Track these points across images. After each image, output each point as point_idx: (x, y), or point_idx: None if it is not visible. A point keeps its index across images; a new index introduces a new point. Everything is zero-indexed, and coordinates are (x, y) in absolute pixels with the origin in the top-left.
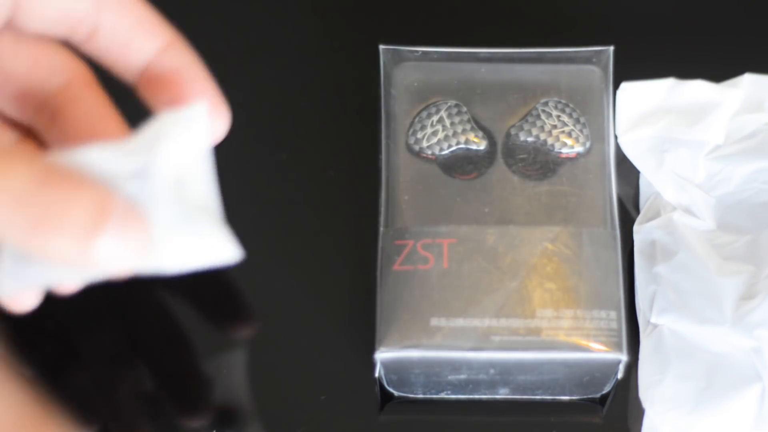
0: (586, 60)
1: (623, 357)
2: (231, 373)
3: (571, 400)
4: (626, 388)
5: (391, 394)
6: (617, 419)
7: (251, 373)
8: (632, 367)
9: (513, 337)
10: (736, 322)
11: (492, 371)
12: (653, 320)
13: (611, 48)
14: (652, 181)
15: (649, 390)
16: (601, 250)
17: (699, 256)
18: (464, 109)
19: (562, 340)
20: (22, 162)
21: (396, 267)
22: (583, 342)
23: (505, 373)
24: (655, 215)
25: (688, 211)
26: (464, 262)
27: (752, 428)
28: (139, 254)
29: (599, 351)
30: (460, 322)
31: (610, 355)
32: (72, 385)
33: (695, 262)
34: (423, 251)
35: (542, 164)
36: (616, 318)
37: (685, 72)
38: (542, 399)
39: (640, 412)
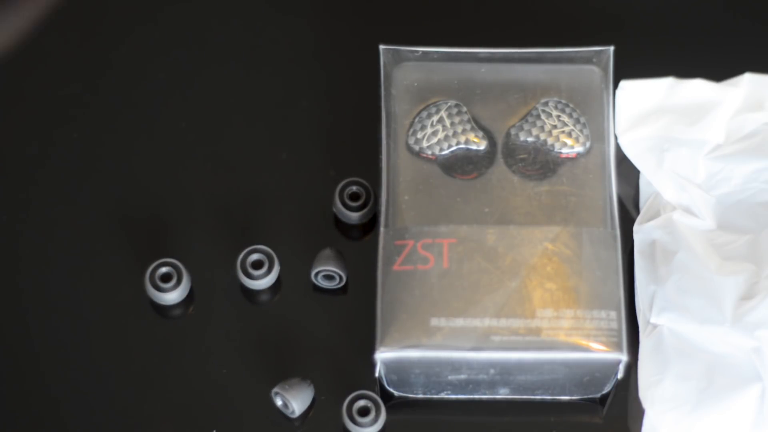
0: (586, 60)
1: (623, 357)
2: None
3: (571, 400)
4: (626, 388)
5: (391, 394)
6: (617, 419)
7: (251, 373)
8: (632, 367)
9: (513, 337)
10: (736, 321)
11: (492, 371)
12: (653, 320)
13: (611, 48)
14: (652, 180)
15: (649, 390)
16: (601, 250)
17: (699, 256)
18: (464, 109)
19: (562, 340)
20: None
21: (396, 267)
22: (583, 342)
23: (505, 373)
24: (655, 215)
25: (688, 210)
26: (464, 262)
27: (752, 428)
28: None
29: (599, 351)
30: (460, 322)
31: (610, 355)
32: None
33: (695, 261)
34: (423, 251)
35: (542, 164)
36: (616, 318)
37: (685, 72)
38: (542, 399)
39: (640, 412)
